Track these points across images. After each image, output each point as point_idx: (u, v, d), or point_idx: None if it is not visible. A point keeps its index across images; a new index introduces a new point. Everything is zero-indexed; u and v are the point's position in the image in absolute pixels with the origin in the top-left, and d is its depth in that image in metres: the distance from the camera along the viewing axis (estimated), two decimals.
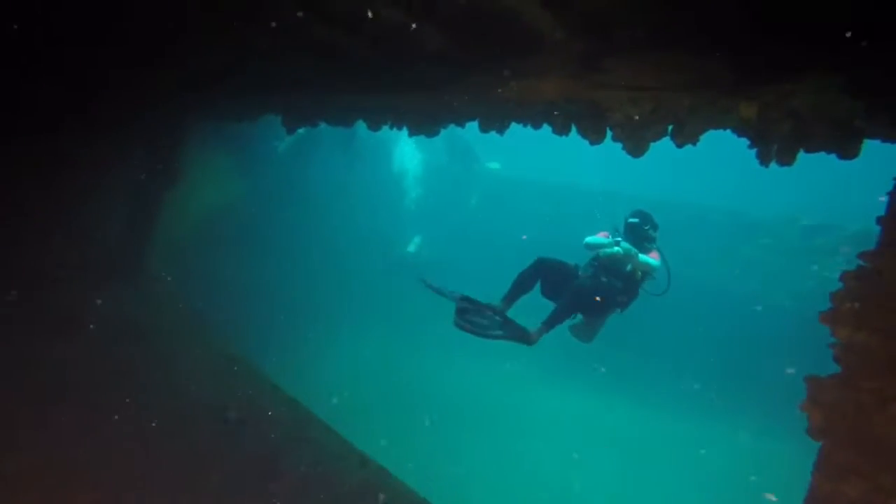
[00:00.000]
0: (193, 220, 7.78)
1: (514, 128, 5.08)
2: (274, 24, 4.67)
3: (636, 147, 3.71)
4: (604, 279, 5.50)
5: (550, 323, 5.10)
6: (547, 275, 5.49)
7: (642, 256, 5.52)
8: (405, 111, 5.10)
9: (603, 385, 12.14)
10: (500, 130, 4.72)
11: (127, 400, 4.68)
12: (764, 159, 3.21)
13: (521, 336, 4.98)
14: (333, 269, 11.42)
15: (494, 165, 17.27)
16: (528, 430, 10.12)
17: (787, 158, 3.07)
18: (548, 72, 3.66)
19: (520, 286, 5.33)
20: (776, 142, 3.07)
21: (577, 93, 3.69)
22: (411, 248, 13.86)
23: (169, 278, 6.98)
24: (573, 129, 4.08)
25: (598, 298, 5.32)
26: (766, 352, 11.19)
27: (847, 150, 2.89)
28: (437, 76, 4.26)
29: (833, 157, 3.41)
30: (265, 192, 9.10)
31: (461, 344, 12.75)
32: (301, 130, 6.79)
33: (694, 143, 3.52)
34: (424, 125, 5.12)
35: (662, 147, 3.98)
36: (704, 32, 2.90)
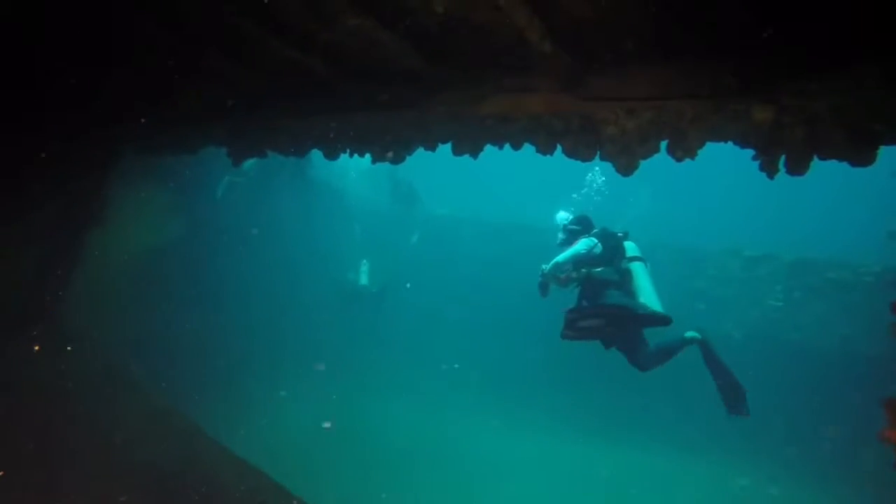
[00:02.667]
0: (121, 265, 6.96)
1: (461, 170, 4.92)
2: (223, 41, 4.23)
3: (629, 164, 3.47)
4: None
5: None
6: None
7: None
8: (369, 135, 4.69)
9: (560, 424, 11.99)
10: (475, 154, 4.39)
11: (50, 469, 3.87)
12: (771, 170, 3.02)
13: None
14: (282, 311, 10.65)
15: (441, 212, 17.17)
16: (502, 475, 9.60)
17: (799, 167, 2.88)
18: (535, 85, 3.40)
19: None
20: (786, 150, 2.88)
21: (567, 106, 3.43)
22: (363, 279, 13.32)
23: (92, 329, 6.13)
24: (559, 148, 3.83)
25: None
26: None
27: (863, 156, 2.73)
28: (410, 95, 3.92)
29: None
30: (206, 230, 8.36)
31: (429, 389, 12.24)
32: (250, 162, 6.25)
33: (693, 157, 3.31)
34: (391, 150, 4.73)
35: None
36: (712, 33, 2.72)
